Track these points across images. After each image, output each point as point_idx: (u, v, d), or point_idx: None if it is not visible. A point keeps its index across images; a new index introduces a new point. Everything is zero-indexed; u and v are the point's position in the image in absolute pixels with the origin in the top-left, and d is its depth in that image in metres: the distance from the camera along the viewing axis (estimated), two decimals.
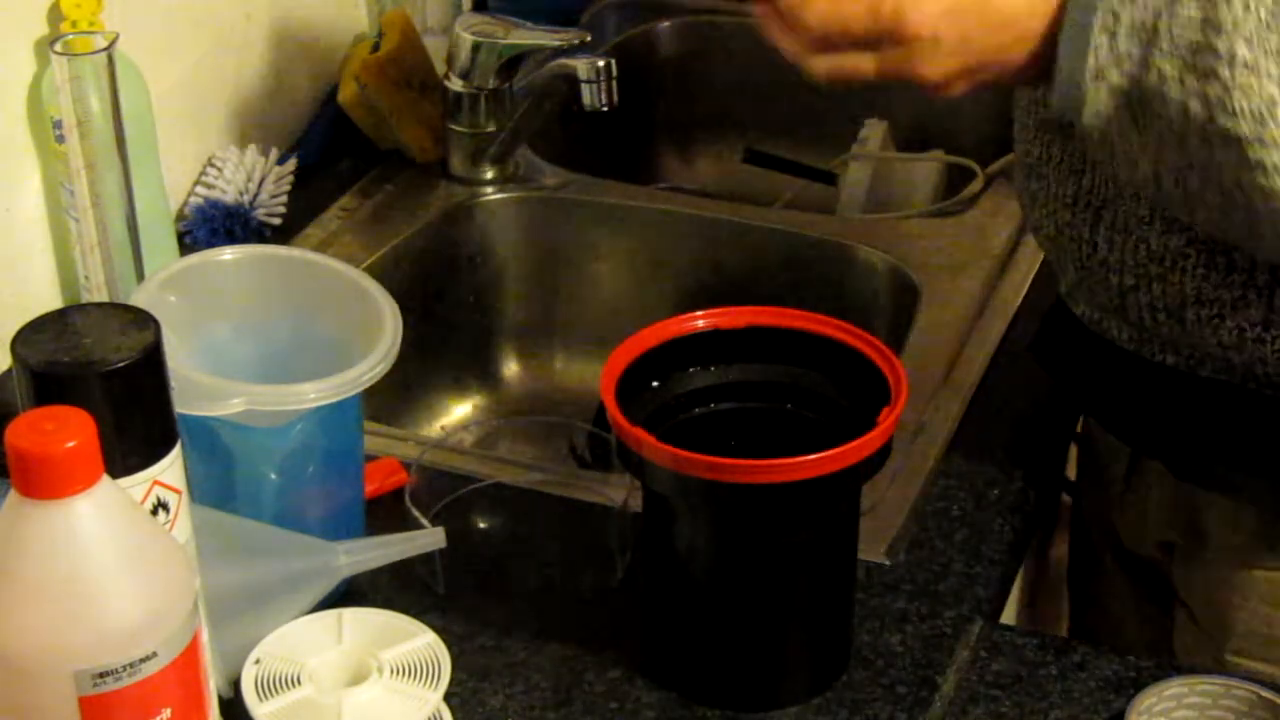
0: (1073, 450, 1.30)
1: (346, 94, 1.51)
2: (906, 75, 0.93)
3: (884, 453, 0.92)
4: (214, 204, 1.38)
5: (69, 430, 0.72)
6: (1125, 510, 1.21)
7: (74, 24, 1.21)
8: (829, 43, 0.93)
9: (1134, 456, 1.17)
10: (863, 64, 0.94)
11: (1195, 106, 0.87)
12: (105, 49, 1.05)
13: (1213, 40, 0.86)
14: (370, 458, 1.11)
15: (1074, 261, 1.07)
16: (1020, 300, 1.33)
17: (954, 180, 1.58)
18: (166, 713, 0.77)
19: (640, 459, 0.91)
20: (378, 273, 1.20)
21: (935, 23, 0.91)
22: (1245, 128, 0.86)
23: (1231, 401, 1.05)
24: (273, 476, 1.01)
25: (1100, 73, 0.89)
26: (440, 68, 1.50)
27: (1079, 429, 1.27)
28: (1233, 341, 1.02)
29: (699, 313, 0.98)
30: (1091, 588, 1.33)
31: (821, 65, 0.95)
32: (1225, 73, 0.86)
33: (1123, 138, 0.91)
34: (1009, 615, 1.28)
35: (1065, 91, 0.90)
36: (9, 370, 0.82)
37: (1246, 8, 0.85)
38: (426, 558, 1.02)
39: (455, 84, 1.47)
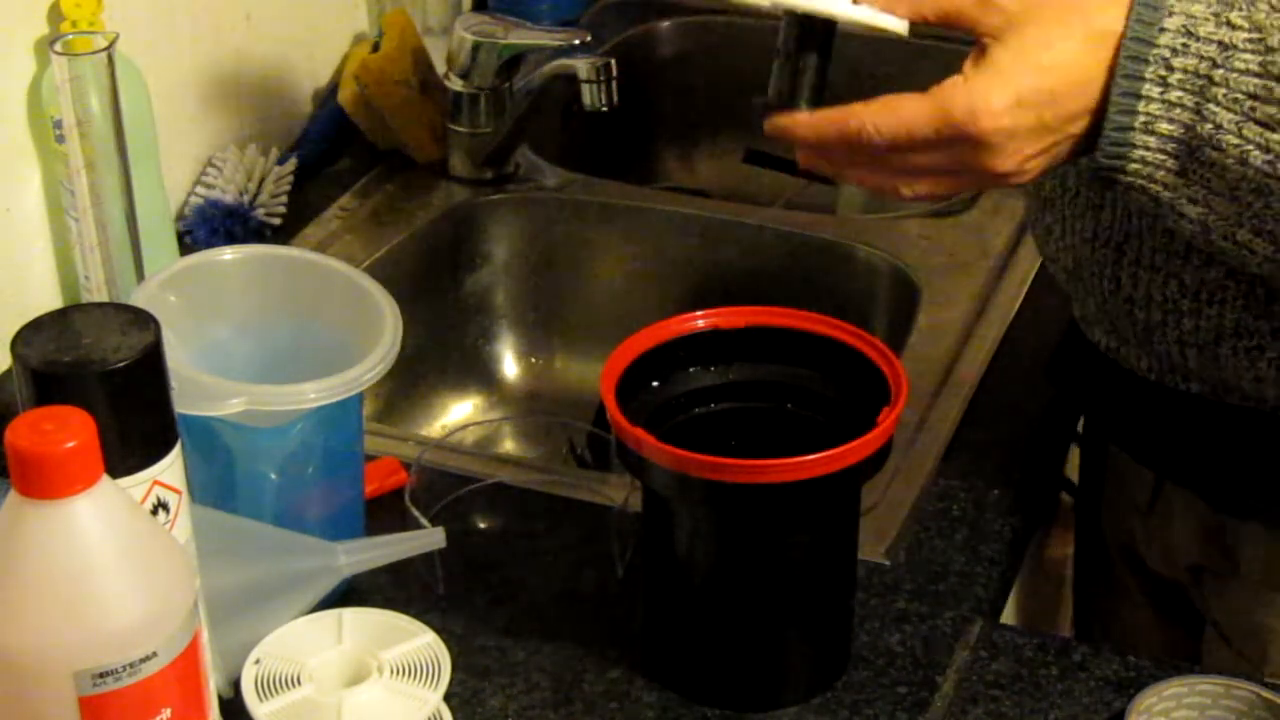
0: (1073, 450, 1.30)
1: (346, 94, 1.51)
2: (985, 173, 0.89)
3: (884, 453, 0.92)
4: (214, 204, 1.38)
5: (69, 430, 0.72)
6: (1150, 532, 1.19)
7: (74, 24, 1.21)
8: (904, 158, 0.90)
9: (1159, 480, 1.16)
10: (940, 171, 0.90)
11: (1256, 156, 0.85)
12: (105, 49, 1.05)
13: (1274, 89, 0.84)
14: (370, 458, 1.11)
15: (1094, 296, 1.06)
16: (1020, 300, 1.33)
17: None
18: (166, 713, 0.77)
19: (640, 459, 0.91)
20: (378, 273, 1.20)
21: (1009, 117, 0.87)
22: None
23: (1262, 428, 1.04)
24: (273, 476, 1.01)
25: (1150, 124, 0.87)
26: (440, 68, 1.50)
27: (1079, 429, 1.27)
28: (1269, 374, 1.00)
29: (699, 313, 0.98)
30: (1108, 604, 1.32)
31: (905, 187, 0.91)
32: None
33: (1169, 188, 0.89)
34: (1009, 615, 1.28)
35: (1112, 141, 0.87)
36: (9, 370, 0.82)
37: None
38: (426, 558, 1.02)
39: (455, 84, 1.47)
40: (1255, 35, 0.85)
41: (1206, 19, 0.86)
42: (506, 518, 1.11)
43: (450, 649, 0.91)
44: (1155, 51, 0.86)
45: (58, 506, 0.72)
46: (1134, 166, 0.88)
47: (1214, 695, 0.95)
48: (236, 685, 0.90)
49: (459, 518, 1.11)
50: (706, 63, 1.79)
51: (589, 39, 1.41)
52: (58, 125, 1.20)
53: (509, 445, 1.38)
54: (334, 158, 1.53)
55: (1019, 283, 1.35)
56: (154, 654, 0.75)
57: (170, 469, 0.85)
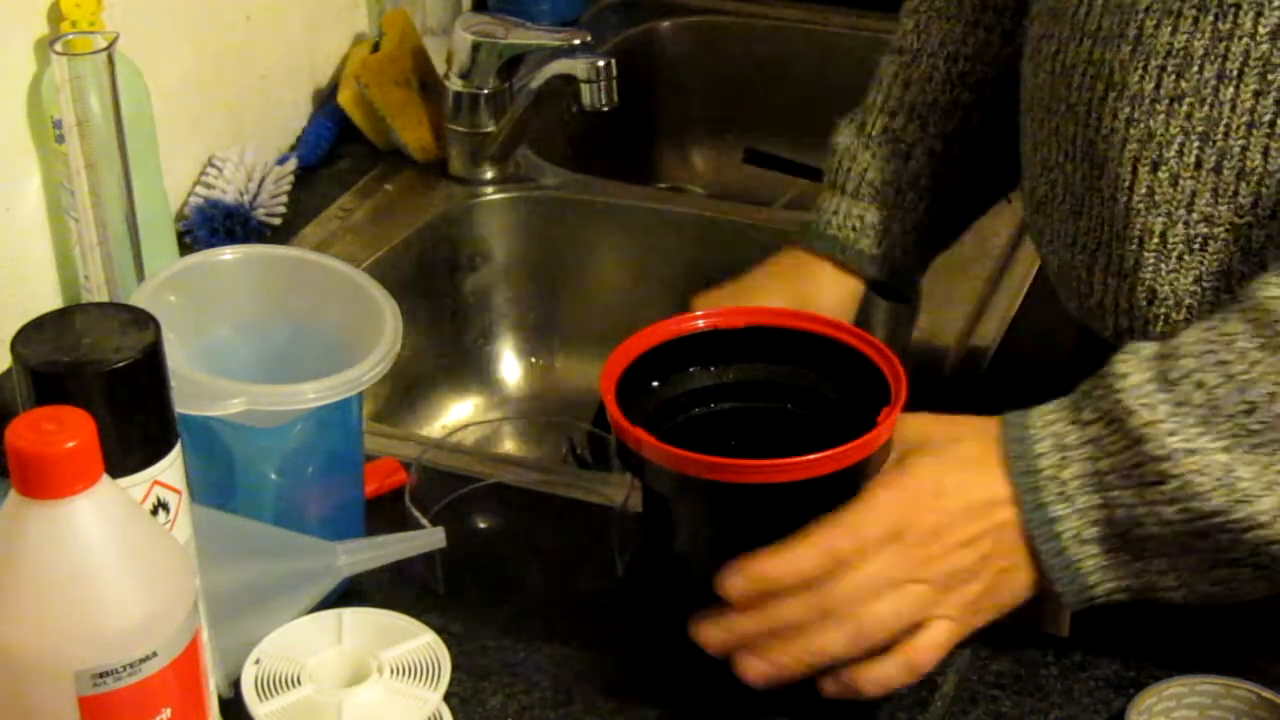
0: None
1: (346, 94, 1.51)
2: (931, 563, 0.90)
3: (884, 452, 0.92)
4: (214, 204, 1.38)
5: (69, 430, 0.72)
6: None
7: (74, 24, 1.21)
8: (852, 579, 0.89)
9: None
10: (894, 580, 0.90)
11: (1166, 512, 0.88)
12: (105, 49, 1.05)
13: (1144, 450, 0.88)
14: (370, 458, 1.11)
15: (1073, 301, 1.07)
16: (1020, 300, 1.33)
17: None
18: (166, 713, 0.77)
19: (640, 459, 0.91)
20: (378, 273, 1.20)
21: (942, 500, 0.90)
22: (1219, 499, 0.87)
23: None
24: (273, 476, 1.01)
25: (1079, 536, 0.90)
26: (440, 68, 1.50)
27: None
28: None
29: (699, 312, 0.98)
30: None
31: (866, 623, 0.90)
32: (1174, 469, 0.87)
33: (1136, 575, 0.91)
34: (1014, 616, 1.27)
35: (1063, 573, 0.91)
36: (9, 370, 0.82)
37: (1152, 409, 0.88)
38: (426, 558, 1.02)
39: (455, 84, 1.47)
40: (1110, 424, 0.89)
41: (1067, 429, 0.91)
42: (506, 518, 1.11)
43: (450, 649, 0.91)
44: (1046, 475, 0.90)
45: (58, 506, 0.72)
46: (1098, 578, 0.91)
47: (1214, 695, 0.95)
48: (236, 685, 0.90)
49: (459, 518, 1.11)
50: (706, 63, 1.79)
51: (589, 39, 1.41)
52: (58, 125, 1.20)
53: (509, 445, 1.38)
54: (334, 158, 1.53)
55: (1019, 283, 1.35)
56: (154, 654, 0.75)
57: (170, 469, 0.85)
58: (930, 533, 0.90)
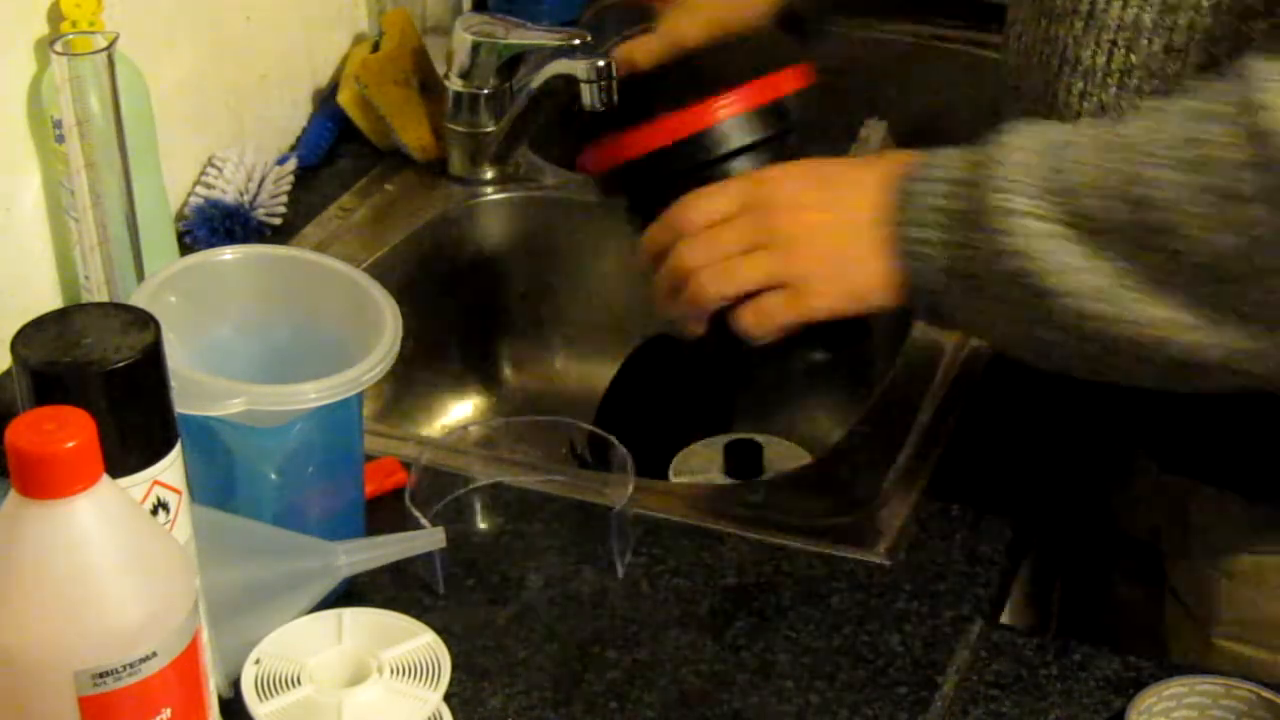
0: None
1: (346, 94, 1.51)
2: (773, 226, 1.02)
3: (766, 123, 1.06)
4: (214, 204, 1.38)
5: (69, 430, 0.72)
6: (1115, 495, 1.23)
7: (74, 24, 1.21)
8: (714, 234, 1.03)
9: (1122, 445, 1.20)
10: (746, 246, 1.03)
11: (983, 257, 0.96)
12: (105, 49, 1.05)
13: (985, 201, 0.96)
14: (370, 458, 1.11)
15: None
16: None
17: None
18: (166, 713, 0.77)
19: (603, 176, 1.11)
20: (378, 273, 1.19)
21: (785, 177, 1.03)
22: (1027, 262, 0.94)
23: (1209, 398, 1.05)
24: (273, 476, 1.01)
25: (930, 259, 0.98)
26: (440, 68, 1.50)
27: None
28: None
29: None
30: (1084, 572, 1.34)
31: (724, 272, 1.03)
32: (997, 223, 0.95)
33: (964, 301, 0.99)
34: (1009, 615, 1.28)
35: (909, 270, 0.99)
36: (9, 370, 0.82)
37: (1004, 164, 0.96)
38: (426, 558, 1.02)
39: (455, 84, 1.47)
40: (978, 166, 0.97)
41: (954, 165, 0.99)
42: (506, 518, 1.11)
43: (450, 649, 0.91)
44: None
45: (58, 506, 0.72)
46: (936, 293, 0.99)
47: (1214, 695, 0.95)
48: (236, 685, 0.90)
49: (459, 518, 1.11)
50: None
51: (589, 39, 1.41)
52: (58, 125, 1.19)
53: (509, 445, 1.38)
54: (334, 158, 1.53)
55: None
56: (154, 654, 0.75)
57: (170, 469, 0.85)
58: (772, 197, 1.03)
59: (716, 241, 1.03)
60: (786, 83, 1.09)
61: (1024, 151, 0.96)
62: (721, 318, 1.03)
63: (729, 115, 1.07)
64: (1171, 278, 0.92)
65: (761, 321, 1.02)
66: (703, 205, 1.04)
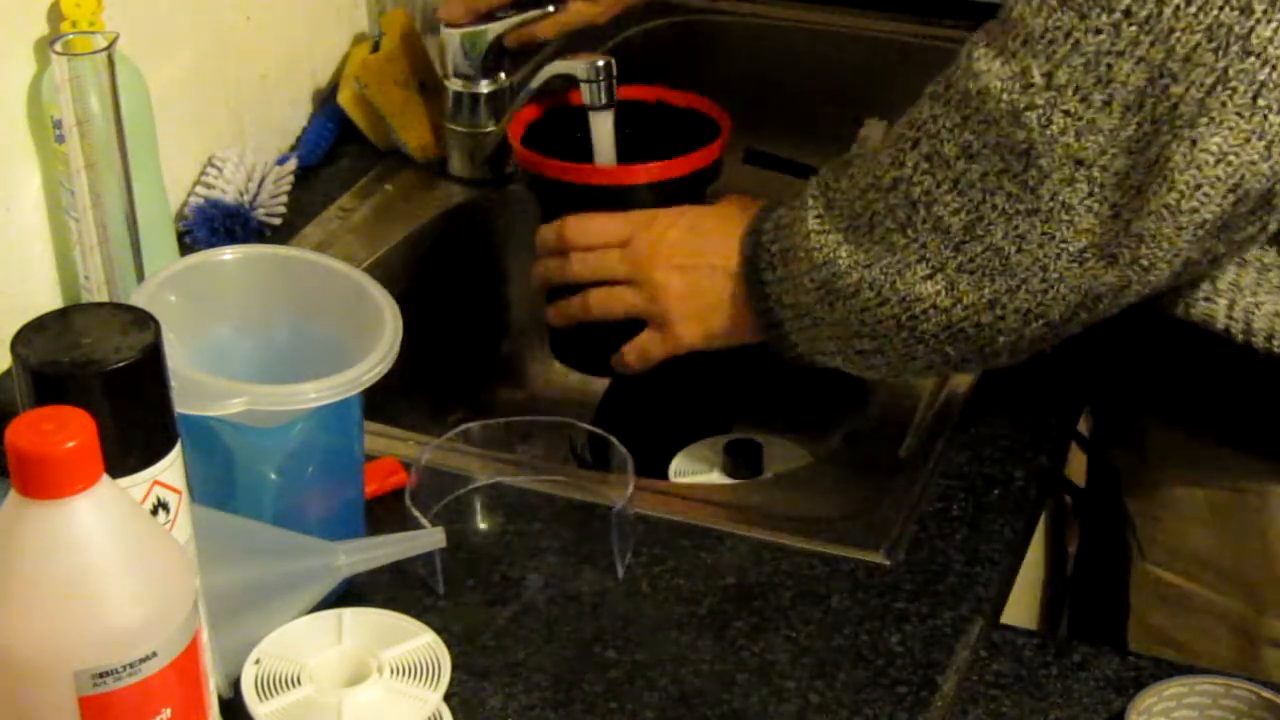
0: (1074, 451, 1.30)
1: (346, 94, 1.51)
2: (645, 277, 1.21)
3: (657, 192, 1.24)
4: (214, 204, 1.38)
5: (69, 430, 0.72)
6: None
7: (74, 24, 1.21)
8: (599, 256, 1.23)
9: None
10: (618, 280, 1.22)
11: (805, 281, 1.10)
12: (105, 49, 1.05)
13: (796, 228, 1.11)
14: (370, 458, 1.11)
15: None
16: None
17: None
18: (166, 713, 0.77)
19: (527, 174, 1.31)
20: (378, 273, 1.20)
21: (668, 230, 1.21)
22: (826, 271, 1.09)
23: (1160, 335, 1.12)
24: (273, 476, 1.01)
25: (780, 300, 1.13)
26: (440, 68, 1.50)
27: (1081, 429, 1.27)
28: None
29: None
30: (1090, 570, 1.40)
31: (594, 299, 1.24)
32: (805, 245, 1.10)
33: (806, 335, 1.13)
34: (1026, 618, 1.28)
35: (768, 330, 1.15)
36: (9, 370, 0.82)
37: (815, 197, 1.12)
38: (426, 558, 1.02)
39: (455, 84, 1.47)
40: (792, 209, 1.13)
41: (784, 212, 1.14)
42: (506, 518, 1.11)
43: (450, 649, 0.91)
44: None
45: (58, 506, 0.72)
46: (792, 335, 1.14)
47: (1214, 695, 0.95)
48: (236, 685, 0.90)
49: (459, 518, 1.11)
50: (706, 63, 1.79)
51: (553, 11, 1.43)
52: (58, 125, 1.19)
53: (509, 445, 1.37)
54: (334, 158, 1.53)
55: None
56: (154, 654, 0.75)
57: (170, 469, 0.85)
58: (654, 246, 1.20)
59: (604, 264, 1.22)
60: (700, 159, 1.27)
61: (819, 178, 1.11)
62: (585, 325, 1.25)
63: (646, 180, 1.26)
64: (923, 251, 1.04)
65: (642, 358, 1.22)
66: (592, 229, 1.24)
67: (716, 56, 1.78)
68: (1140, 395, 1.20)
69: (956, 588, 1.05)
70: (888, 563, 1.06)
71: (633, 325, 1.23)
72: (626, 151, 1.34)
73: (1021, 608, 1.31)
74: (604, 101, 1.32)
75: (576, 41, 1.51)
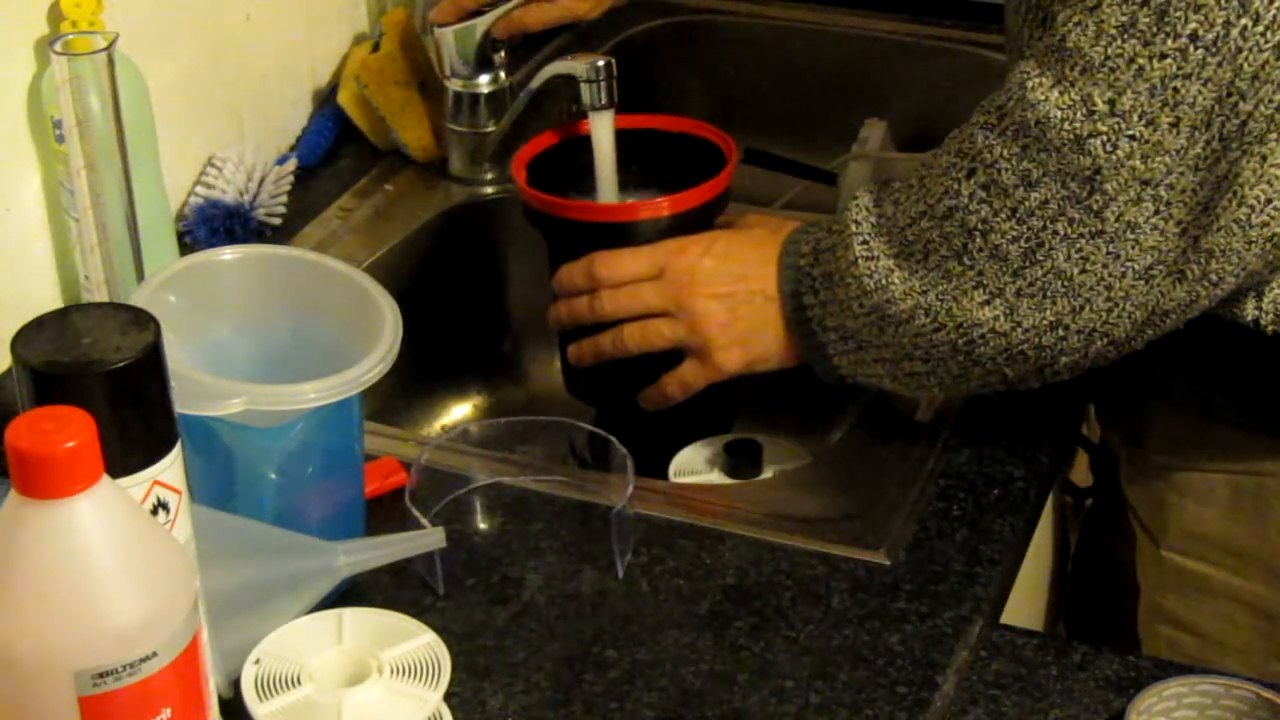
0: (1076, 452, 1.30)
1: (346, 94, 1.51)
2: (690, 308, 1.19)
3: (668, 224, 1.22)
4: (214, 204, 1.38)
5: (69, 430, 0.72)
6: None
7: (74, 24, 1.21)
8: (631, 291, 1.20)
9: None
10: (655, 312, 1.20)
11: (854, 306, 1.11)
12: (105, 49, 1.05)
13: (842, 254, 1.11)
14: (370, 458, 1.11)
15: None
16: None
17: None
18: (166, 713, 0.77)
19: (533, 211, 1.27)
20: (378, 273, 1.20)
21: (706, 259, 1.19)
22: (878, 296, 1.09)
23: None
24: (273, 476, 1.01)
25: (822, 323, 1.14)
26: (439, 68, 1.50)
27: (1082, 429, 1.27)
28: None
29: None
30: (1090, 567, 1.39)
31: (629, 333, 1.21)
32: (854, 271, 1.10)
33: (852, 358, 1.14)
34: (1032, 620, 1.28)
35: (810, 351, 1.16)
36: (9, 370, 0.82)
37: (859, 222, 1.11)
38: (426, 558, 1.02)
39: (455, 84, 1.47)
40: (834, 233, 1.13)
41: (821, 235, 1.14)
42: (506, 518, 1.11)
43: (450, 649, 0.91)
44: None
45: (58, 506, 0.72)
46: (836, 358, 1.15)
47: (1214, 695, 0.95)
48: (236, 685, 0.90)
49: (459, 518, 1.11)
50: (706, 63, 1.79)
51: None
52: (58, 125, 1.20)
53: (509, 445, 1.37)
54: (334, 158, 1.53)
55: None
56: (154, 654, 0.75)
57: (170, 469, 0.85)
58: (691, 275, 1.18)
59: (639, 298, 1.20)
60: (706, 193, 1.25)
61: (857, 203, 1.11)
62: (611, 363, 1.22)
63: (649, 216, 1.24)
64: (980, 278, 1.04)
65: (685, 389, 1.20)
66: (623, 264, 1.20)
67: (716, 56, 1.78)
68: (1144, 383, 1.20)
69: (956, 588, 1.05)
70: (888, 563, 1.06)
71: (656, 356, 1.21)
72: (633, 183, 1.33)
73: (1027, 609, 1.31)
74: (604, 102, 1.32)
75: (576, 42, 1.51)
